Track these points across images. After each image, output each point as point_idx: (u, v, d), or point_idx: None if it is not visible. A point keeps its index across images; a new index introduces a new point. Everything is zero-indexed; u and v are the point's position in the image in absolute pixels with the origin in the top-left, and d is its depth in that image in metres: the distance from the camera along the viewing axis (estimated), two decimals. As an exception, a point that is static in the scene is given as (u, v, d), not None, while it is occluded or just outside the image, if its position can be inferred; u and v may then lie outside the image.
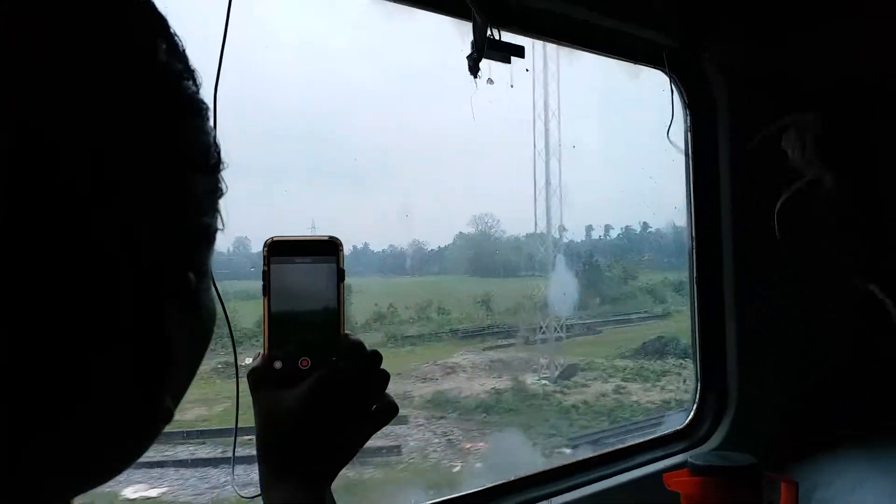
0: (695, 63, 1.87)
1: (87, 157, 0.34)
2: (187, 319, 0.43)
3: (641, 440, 1.86)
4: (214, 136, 0.45)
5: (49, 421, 0.35)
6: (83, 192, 0.34)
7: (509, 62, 1.56)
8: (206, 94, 0.44)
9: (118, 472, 0.43)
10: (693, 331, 1.96)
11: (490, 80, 1.57)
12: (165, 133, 0.39)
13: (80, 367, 0.36)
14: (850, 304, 1.92)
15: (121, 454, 0.42)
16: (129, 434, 0.41)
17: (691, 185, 1.95)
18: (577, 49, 1.73)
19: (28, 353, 0.33)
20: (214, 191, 0.45)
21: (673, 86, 1.90)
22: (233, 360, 1.00)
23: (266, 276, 0.73)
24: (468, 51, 1.49)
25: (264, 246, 0.74)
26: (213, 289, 0.49)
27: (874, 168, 1.62)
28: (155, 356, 0.39)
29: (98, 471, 0.41)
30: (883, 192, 1.72)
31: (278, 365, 0.73)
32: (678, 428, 1.93)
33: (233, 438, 1.02)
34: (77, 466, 0.39)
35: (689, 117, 1.93)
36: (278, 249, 0.74)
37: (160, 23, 0.40)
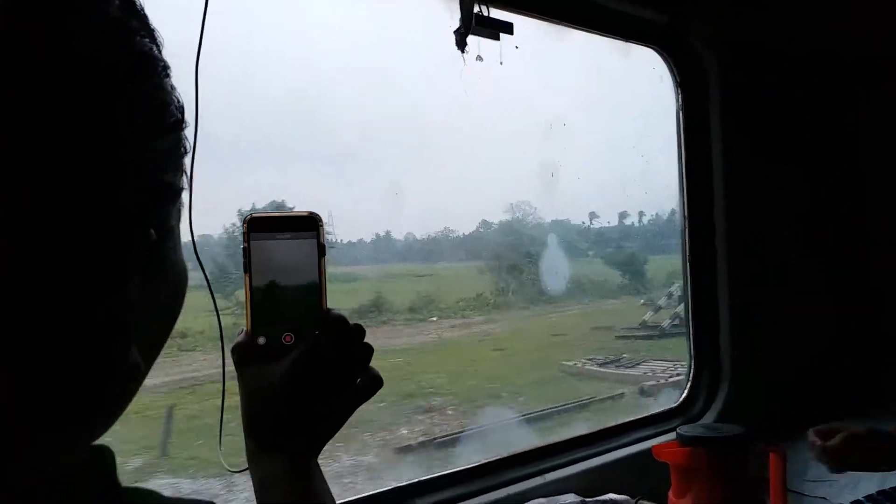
0: (684, 39, 1.87)
1: (35, 108, 0.34)
2: (152, 277, 0.43)
3: (635, 418, 1.86)
4: (176, 95, 0.44)
5: (15, 379, 0.35)
6: (30, 144, 0.34)
7: (498, 39, 1.55)
8: (187, 67, 0.44)
9: (101, 428, 0.43)
10: (686, 308, 1.97)
11: (479, 58, 1.56)
12: (116, 88, 0.39)
13: (40, 324, 0.36)
14: (840, 281, 1.93)
15: (97, 411, 0.42)
16: (101, 390, 0.41)
17: (683, 164, 1.95)
18: (567, 26, 1.72)
19: None
20: (175, 149, 0.44)
21: (664, 63, 1.89)
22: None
23: (246, 252, 0.73)
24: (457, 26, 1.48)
25: (243, 222, 0.74)
26: (179, 256, 0.48)
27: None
28: (113, 312, 0.39)
29: (80, 428, 0.41)
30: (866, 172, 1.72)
31: (262, 340, 0.73)
32: (672, 406, 1.94)
33: (220, 413, 1.02)
34: (54, 425, 0.39)
35: (680, 95, 1.92)
36: (258, 226, 0.73)
37: None
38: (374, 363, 0.77)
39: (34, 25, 0.35)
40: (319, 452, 0.77)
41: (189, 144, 0.46)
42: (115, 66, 0.39)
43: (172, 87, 0.44)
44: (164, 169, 0.43)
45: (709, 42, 1.87)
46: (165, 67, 0.43)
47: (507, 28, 1.55)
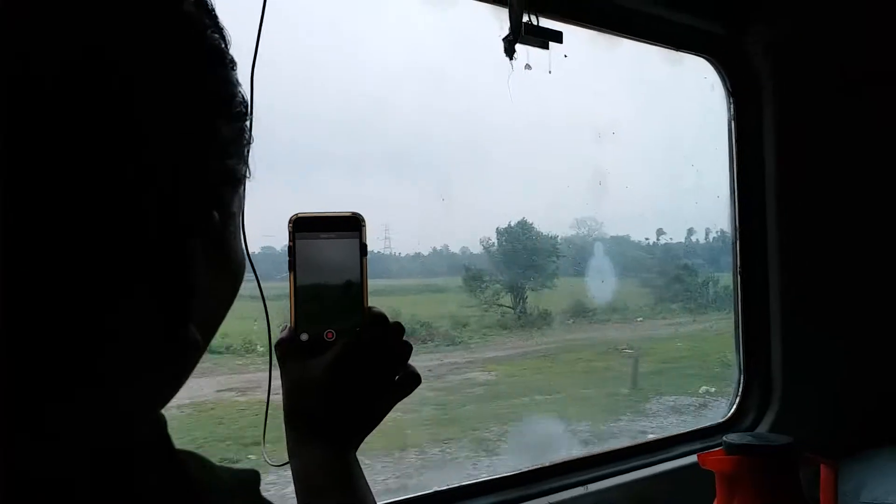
0: (738, 48, 1.85)
1: (113, 95, 0.37)
2: (213, 258, 0.45)
3: (682, 431, 1.83)
4: (240, 89, 0.47)
5: (81, 354, 0.37)
6: (107, 127, 0.36)
7: (547, 48, 1.56)
8: (243, 69, 0.47)
9: (166, 397, 0.45)
10: (736, 322, 1.93)
11: (528, 66, 1.58)
12: (189, 78, 0.42)
13: (107, 299, 0.38)
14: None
15: (157, 384, 0.44)
16: (161, 363, 0.43)
17: (735, 174, 1.92)
18: (618, 35, 1.72)
19: (53, 291, 0.35)
20: (239, 138, 0.47)
21: (716, 72, 1.88)
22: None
23: (292, 251, 0.76)
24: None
25: (289, 222, 0.76)
26: (243, 240, 0.51)
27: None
28: (177, 287, 0.41)
29: (140, 401, 0.43)
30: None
31: (304, 337, 0.76)
32: (720, 420, 1.90)
33: (265, 408, 1.04)
34: (116, 398, 0.40)
35: (732, 105, 1.90)
36: (303, 225, 0.76)
37: None
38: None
39: (124, 20, 0.38)
40: (359, 445, 0.80)
41: (251, 136, 0.49)
42: (187, 58, 0.42)
43: (238, 81, 0.47)
44: (228, 155, 0.46)
45: (764, 51, 1.85)
46: (232, 62, 0.46)
47: (557, 37, 1.56)
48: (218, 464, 0.48)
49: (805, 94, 1.88)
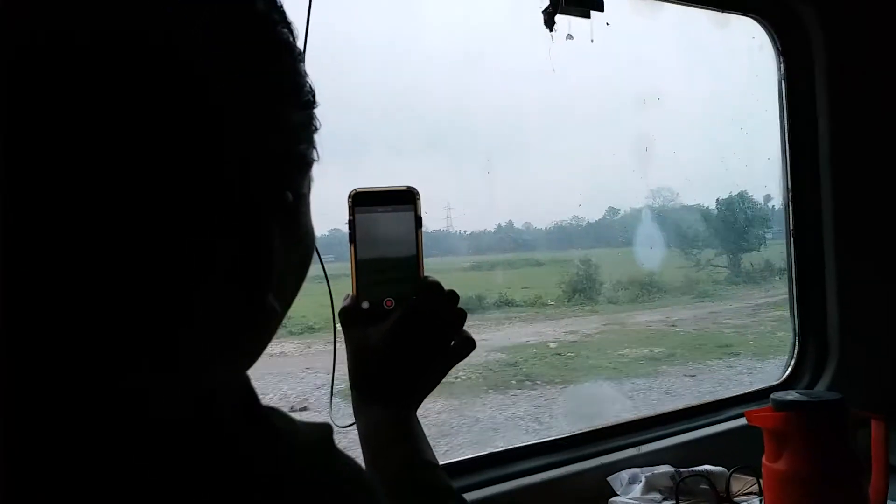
0: (788, 6, 1.81)
1: (196, 84, 0.41)
2: (287, 233, 0.49)
3: (736, 394, 1.84)
4: (308, 79, 0.51)
5: (165, 322, 0.41)
6: (191, 115, 0.40)
7: (589, 17, 1.56)
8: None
9: (249, 360, 0.50)
10: (789, 282, 1.91)
11: (570, 36, 1.58)
12: (262, 68, 0.46)
13: (191, 271, 0.42)
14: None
15: (238, 351, 0.49)
16: (242, 331, 0.47)
17: (786, 136, 1.89)
18: (660, 0, 1.71)
19: (138, 261, 0.39)
20: (308, 124, 0.51)
21: (765, 32, 1.84)
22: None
23: (352, 224, 0.81)
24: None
25: (349, 197, 0.81)
26: (309, 221, 0.55)
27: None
28: (256, 258, 0.45)
29: (227, 362, 0.47)
30: None
31: (365, 305, 0.81)
32: (774, 382, 1.89)
33: (331, 375, 1.10)
34: (198, 365, 0.45)
35: (782, 65, 1.86)
36: (361, 200, 0.81)
37: None
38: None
39: (205, 20, 0.42)
40: (419, 405, 0.85)
41: (319, 122, 0.53)
42: (260, 51, 0.46)
43: (305, 72, 0.51)
44: (299, 140, 0.50)
45: (815, 8, 1.80)
46: (300, 54, 0.50)
47: (598, 5, 1.56)
48: (296, 419, 0.51)
49: (858, 50, 1.83)
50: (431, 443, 0.84)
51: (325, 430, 0.52)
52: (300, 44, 0.51)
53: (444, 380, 0.85)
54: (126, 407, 0.41)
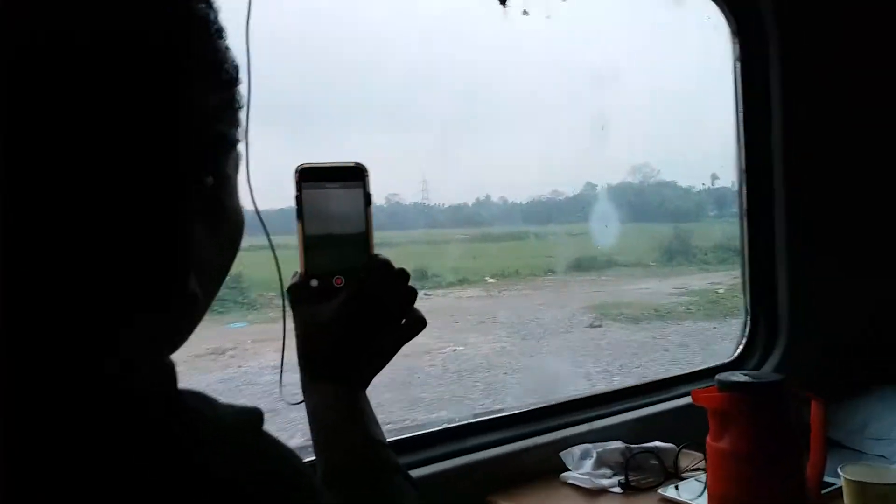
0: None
1: (101, 65, 0.39)
2: (210, 216, 0.48)
3: (687, 371, 1.88)
4: (230, 56, 0.49)
5: (78, 308, 0.41)
6: (95, 98, 0.39)
7: (546, -7, 1.56)
8: (237, 27, 0.49)
9: (166, 352, 0.49)
10: (742, 262, 1.95)
11: (525, 12, 1.57)
12: (174, 50, 0.44)
13: (103, 256, 0.41)
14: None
15: (158, 337, 0.48)
16: (160, 316, 0.46)
17: (741, 117, 1.91)
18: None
19: (51, 249, 0.39)
20: (230, 103, 0.49)
21: (721, 13, 1.85)
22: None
23: (299, 200, 0.78)
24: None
25: (295, 172, 0.79)
26: (236, 203, 0.53)
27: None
28: (171, 244, 0.44)
29: (141, 354, 0.47)
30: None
31: (314, 283, 0.79)
32: (725, 361, 1.94)
33: (280, 352, 1.09)
34: (114, 351, 0.44)
35: (737, 46, 1.88)
36: (309, 176, 0.79)
37: None
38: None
39: None
40: (368, 384, 0.84)
41: (243, 100, 0.51)
42: (172, 30, 0.44)
43: (227, 48, 0.49)
44: (219, 120, 0.48)
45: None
46: (220, 30, 0.48)
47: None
48: (221, 401, 0.51)
49: (811, 33, 1.86)
50: None
51: (252, 414, 0.51)
52: (231, 16, 0.49)
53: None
54: (47, 395, 0.40)
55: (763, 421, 1.17)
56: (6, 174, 0.37)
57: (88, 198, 0.39)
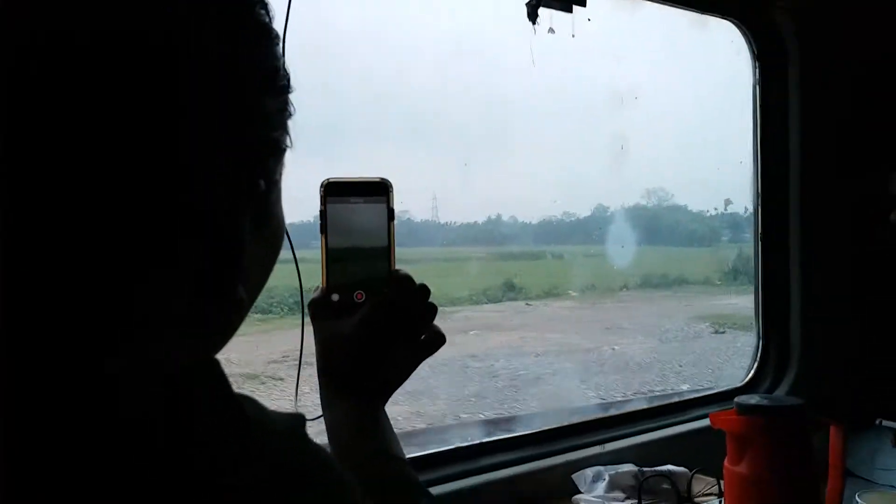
0: (765, 11, 1.83)
1: (168, 69, 0.39)
2: (259, 222, 0.48)
3: (700, 395, 1.86)
4: (283, 62, 0.49)
5: (131, 302, 0.41)
6: (163, 101, 0.39)
7: (570, 11, 1.56)
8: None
9: (215, 348, 0.49)
10: (756, 286, 1.94)
11: (551, 30, 1.58)
12: (238, 52, 0.44)
13: (161, 258, 0.41)
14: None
15: (205, 339, 0.48)
16: (209, 320, 0.47)
17: (758, 140, 1.91)
18: (642, -1, 1.72)
19: (109, 245, 0.39)
20: (283, 110, 0.50)
21: (742, 36, 1.86)
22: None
23: (323, 215, 0.78)
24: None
25: (321, 186, 0.79)
26: (280, 209, 0.54)
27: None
28: (227, 249, 0.44)
29: (190, 350, 0.46)
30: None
31: (335, 297, 0.79)
32: (737, 385, 1.92)
33: (297, 365, 1.08)
34: (163, 351, 0.44)
35: (757, 69, 1.89)
36: (334, 190, 0.79)
37: None
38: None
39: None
40: (387, 400, 0.83)
41: (294, 108, 0.51)
42: (237, 33, 0.44)
43: (281, 56, 0.49)
44: (272, 127, 0.48)
45: (791, 14, 1.83)
46: (277, 37, 0.49)
47: (580, 0, 1.56)
48: (268, 408, 0.50)
49: (832, 59, 1.86)
50: None
51: (297, 420, 0.51)
52: (278, 26, 0.50)
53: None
54: (96, 394, 0.40)
55: (783, 445, 1.15)
56: (60, 175, 0.37)
57: (149, 200, 0.39)
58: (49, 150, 0.36)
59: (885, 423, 1.38)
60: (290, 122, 0.51)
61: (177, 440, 0.41)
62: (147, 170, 0.39)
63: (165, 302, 0.42)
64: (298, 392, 1.08)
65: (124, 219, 0.38)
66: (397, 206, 0.82)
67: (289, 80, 0.50)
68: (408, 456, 1.39)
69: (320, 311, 0.80)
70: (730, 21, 1.84)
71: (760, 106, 1.90)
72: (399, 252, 0.81)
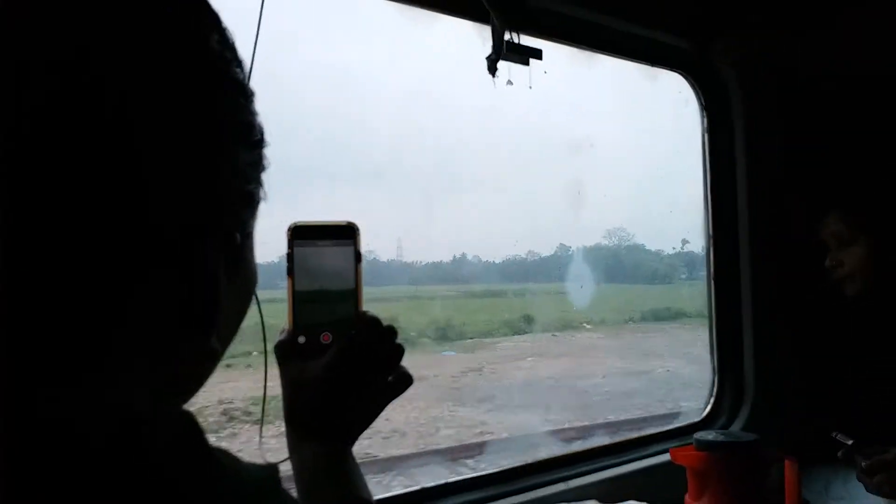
0: (707, 62, 1.93)
1: (146, 123, 0.41)
2: (232, 273, 0.49)
3: (657, 430, 1.90)
4: (258, 118, 0.51)
5: (99, 350, 0.41)
6: (139, 154, 0.41)
7: (528, 64, 1.63)
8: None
9: (185, 398, 0.50)
10: (710, 324, 2.00)
11: (509, 82, 1.64)
12: (214, 107, 0.46)
13: (134, 311, 0.42)
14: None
15: (174, 387, 0.49)
16: (181, 368, 0.48)
17: (708, 185, 2.00)
18: (595, 52, 1.80)
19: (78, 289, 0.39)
20: (257, 164, 0.51)
21: (690, 88, 1.96)
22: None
23: (290, 258, 0.79)
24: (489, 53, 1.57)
25: (288, 230, 0.80)
26: (253, 259, 0.55)
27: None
28: (202, 301, 0.45)
29: (154, 399, 0.46)
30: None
31: (302, 339, 0.79)
32: (695, 420, 1.97)
33: (261, 408, 1.07)
34: (129, 393, 0.44)
35: (705, 118, 1.98)
36: (301, 234, 0.80)
37: (214, 18, 0.48)
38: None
39: (154, 57, 0.43)
40: (354, 442, 0.83)
41: (268, 161, 0.53)
42: (213, 91, 0.46)
43: (256, 111, 0.51)
44: (248, 180, 0.50)
45: (732, 65, 1.93)
46: (251, 93, 0.51)
47: (537, 54, 1.63)
48: (241, 460, 0.50)
49: (773, 107, 1.97)
50: None
51: (271, 471, 0.51)
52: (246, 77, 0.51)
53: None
54: (53, 426, 0.40)
55: (741, 480, 1.20)
56: (37, 222, 0.38)
57: (120, 247, 0.40)
58: (17, 203, 0.37)
59: (839, 436, 1.43)
60: (263, 176, 0.53)
61: (143, 488, 0.41)
62: (117, 221, 0.40)
63: (130, 348, 0.43)
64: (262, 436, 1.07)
65: (95, 264, 0.39)
66: (364, 247, 0.83)
67: (263, 135, 0.52)
68: (375, 498, 1.40)
69: (287, 353, 0.80)
70: (679, 73, 1.94)
71: (710, 152, 1.99)
72: (366, 290, 0.82)
